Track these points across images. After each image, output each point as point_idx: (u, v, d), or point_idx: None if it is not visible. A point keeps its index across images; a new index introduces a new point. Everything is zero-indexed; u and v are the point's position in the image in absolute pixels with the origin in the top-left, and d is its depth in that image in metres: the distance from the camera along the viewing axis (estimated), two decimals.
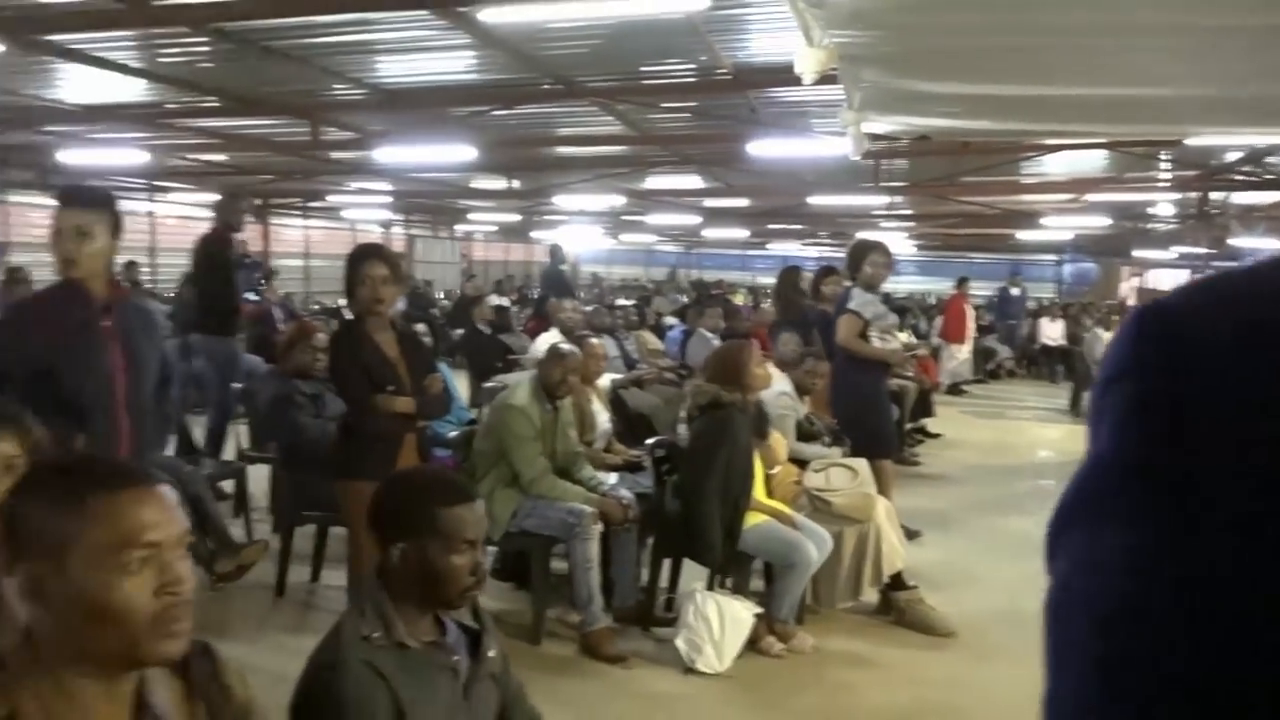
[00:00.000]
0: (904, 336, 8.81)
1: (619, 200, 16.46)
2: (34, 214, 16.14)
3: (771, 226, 24.48)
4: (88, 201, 2.81)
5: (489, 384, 6.36)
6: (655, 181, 15.21)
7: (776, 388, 4.96)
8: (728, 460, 3.88)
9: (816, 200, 15.00)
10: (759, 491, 4.11)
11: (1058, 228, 18.34)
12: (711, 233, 25.85)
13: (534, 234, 26.37)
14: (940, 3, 3.70)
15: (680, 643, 3.76)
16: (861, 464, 4.48)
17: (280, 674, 1.64)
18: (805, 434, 5.03)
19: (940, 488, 7.22)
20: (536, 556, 4.08)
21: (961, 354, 13.38)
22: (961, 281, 14.55)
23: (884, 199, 14.43)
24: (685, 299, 15.12)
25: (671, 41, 6.80)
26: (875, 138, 8.67)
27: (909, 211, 18.59)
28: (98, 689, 1.12)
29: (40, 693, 1.09)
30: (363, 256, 3.50)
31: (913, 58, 5.16)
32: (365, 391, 3.37)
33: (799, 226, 24.36)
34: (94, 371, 2.68)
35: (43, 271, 12.78)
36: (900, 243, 23.71)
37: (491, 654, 1.82)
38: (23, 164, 14.51)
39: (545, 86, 8.52)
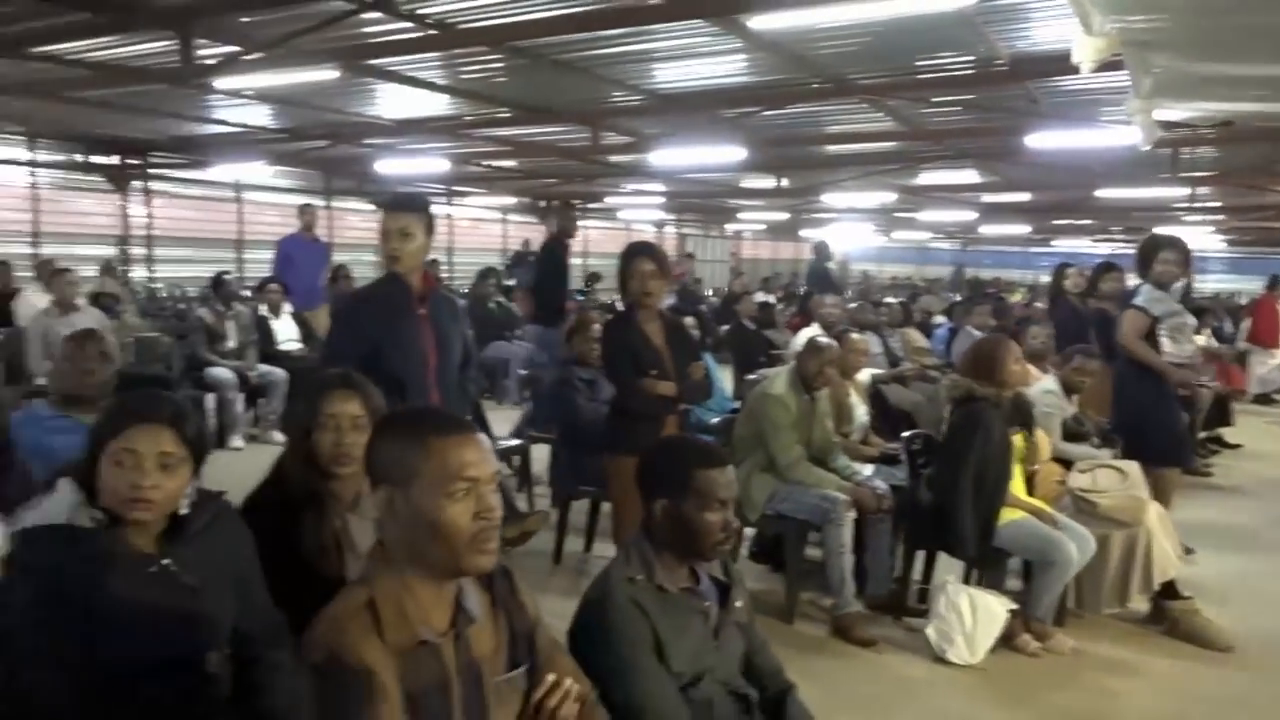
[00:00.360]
0: (1202, 339, 8.16)
1: (890, 197, 16.21)
2: (353, 218, 18.17)
3: (1057, 222, 23.18)
4: (409, 206, 3.30)
5: (751, 376, 6.58)
6: (928, 177, 14.89)
7: (1041, 385, 4.84)
8: (981, 454, 3.87)
9: (1105, 193, 14.11)
10: (1017, 487, 4.06)
11: None
12: (989, 229, 24.79)
13: (802, 232, 26.37)
14: None
15: (931, 632, 3.81)
16: (1132, 467, 4.30)
17: (556, 633, 1.91)
18: (1072, 434, 4.86)
19: (1233, 501, 6.67)
20: (791, 540, 4.25)
21: (1273, 360, 12.13)
22: (1275, 282, 13.16)
23: (1183, 190, 13.35)
24: (957, 297, 14.66)
25: (945, 34, 6.70)
26: (1169, 125, 8.10)
27: (1216, 204, 17.02)
28: (430, 589, 1.44)
29: (391, 587, 1.42)
30: (634, 253, 3.81)
31: (1211, 38, 4.83)
32: (632, 375, 3.69)
33: (1088, 221, 22.89)
34: (411, 352, 3.14)
35: (362, 269, 14.37)
36: (1204, 238, 21.74)
37: (739, 604, 2.04)
38: (346, 173, 16.34)
39: (814, 85, 8.61)
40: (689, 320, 5.79)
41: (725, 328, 9.79)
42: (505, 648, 1.54)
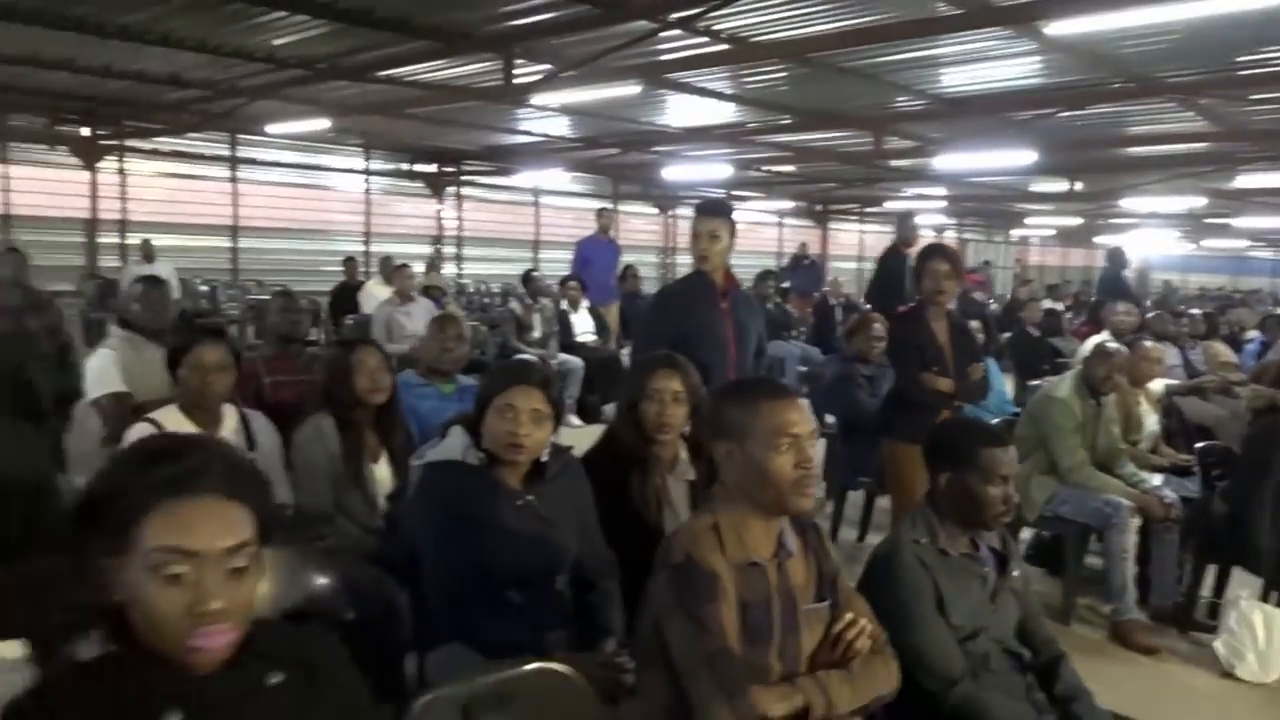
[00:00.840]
0: None
1: (1199, 201, 15.03)
2: (637, 221, 19.12)
3: None
4: (718, 212, 3.67)
5: (1034, 383, 6.48)
6: (1246, 180, 13.74)
7: None
8: None
9: None
10: None
11: None
12: None
13: (1096, 238, 24.81)
14: None
15: (1219, 646, 3.71)
16: None
17: None
18: None
19: None
20: (1071, 543, 4.24)
21: None
22: None
23: None
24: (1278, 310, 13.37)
25: (1268, 30, 6.31)
26: None
27: None
28: (759, 524, 1.77)
29: (730, 517, 1.75)
30: (930, 254, 3.99)
31: None
32: (914, 368, 3.88)
33: None
34: (715, 341, 3.51)
35: (646, 269, 15.11)
36: None
37: (1015, 573, 2.22)
38: (632, 179, 17.26)
39: (1115, 86, 8.30)
40: (974, 324, 5.83)
41: (1007, 335, 9.55)
42: (814, 584, 1.83)
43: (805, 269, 15.10)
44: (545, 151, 14.00)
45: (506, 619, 2.17)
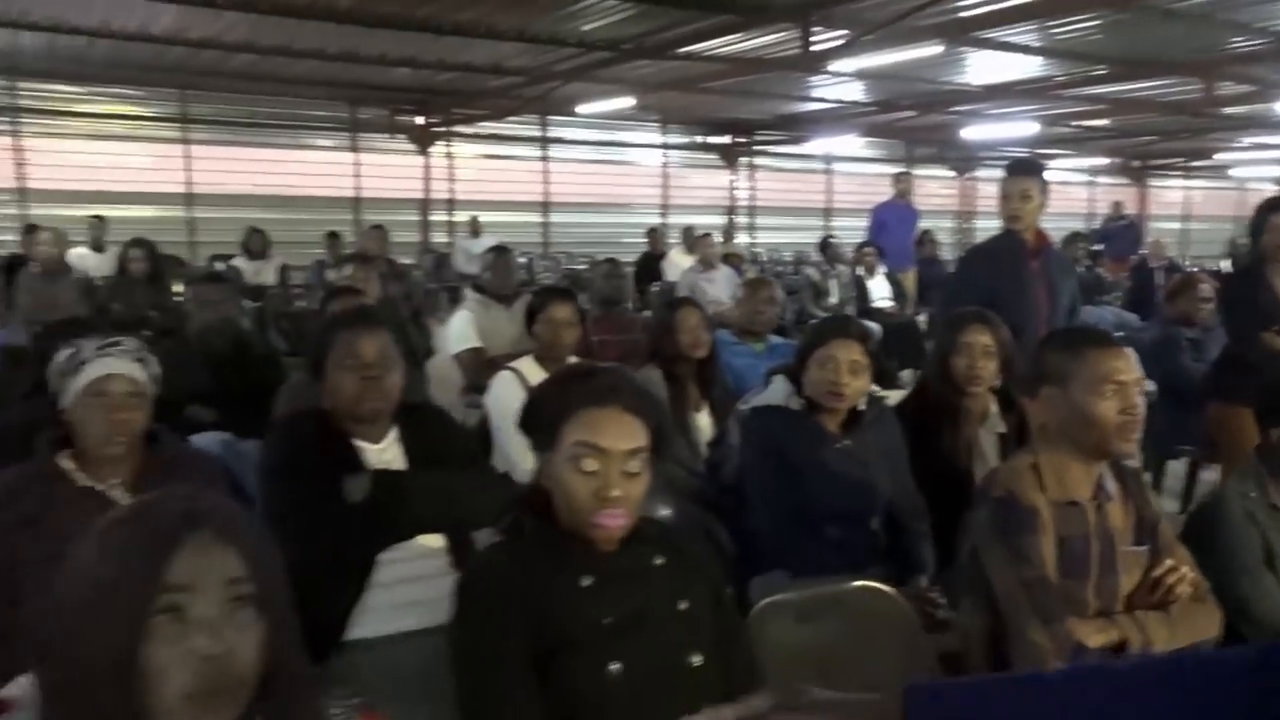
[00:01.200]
0: None
1: None
2: (933, 184, 18.53)
3: None
4: (1030, 170, 3.66)
5: None
6: None
7: None
8: None
9: None
10: None
11: None
12: None
13: None
14: None
15: None
16: None
17: None
18: None
19: None
20: None
21: None
22: None
23: None
24: None
25: None
26: None
27: None
28: (1079, 466, 1.85)
29: (1051, 458, 1.85)
30: (1272, 208, 3.76)
31: None
32: (1253, 326, 3.66)
33: None
34: (1025, 301, 3.50)
35: (943, 235, 14.69)
36: None
37: None
38: (927, 141, 16.77)
39: None
40: None
41: None
42: (1133, 528, 1.89)
43: (1121, 230, 14.09)
44: (839, 118, 13.95)
45: (824, 552, 2.38)
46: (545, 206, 15.01)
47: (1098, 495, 1.85)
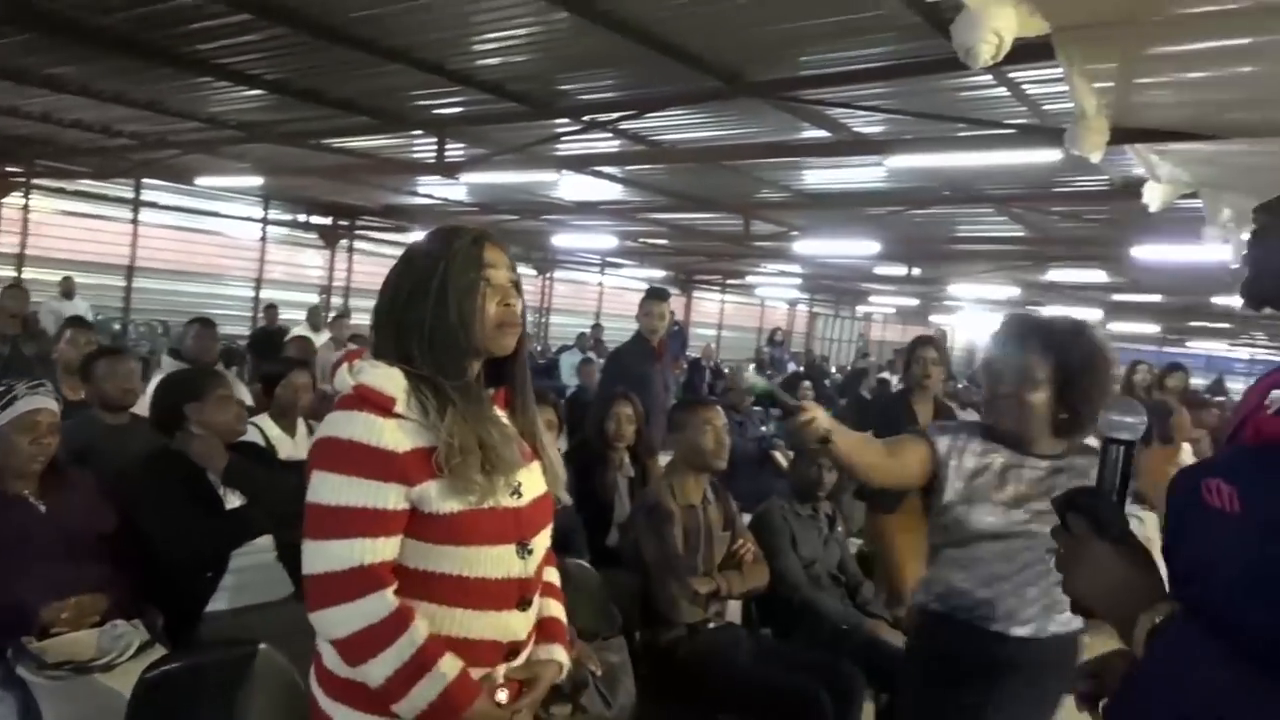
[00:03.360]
0: None
1: (1015, 291, 17.23)
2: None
3: (1193, 324, 23.53)
4: (665, 297, 4.99)
5: None
6: (1054, 275, 15.58)
7: None
8: None
9: (1223, 300, 14.88)
10: None
11: None
12: (1118, 327, 25.33)
13: (932, 318, 27.39)
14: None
15: None
16: (1151, 517, 5.58)
17: None
18: None
19: None
20: None
21: None
22: None
23: None
24: None
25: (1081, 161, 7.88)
26: None
27: None
28: (693, 482, 3.00)
29: (678, 479, 2.98)
30: (922, 343, 4.41)
31: (1269, 184, 6.01)
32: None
33: (1226, 326, 23.23)
34: (653, 387, 4.74)
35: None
36: None
37: (839, 529, 3.55)
38: (518, 242, 18.39)
39: (945, 194, 9.96)
40: (807, 385, 7.27)
41: (843, 400, 11.10)
42: (722, 521, 3.09)
43: (674, 334, 16.51)
44: (441, 214, 14.92)
45: None
46: (130, 270, 14.41)
47: (704, 501, 3.02)
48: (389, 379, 1.53)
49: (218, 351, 4.97)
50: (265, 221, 15.93)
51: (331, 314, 8.94)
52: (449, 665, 1.50)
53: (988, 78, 5.75)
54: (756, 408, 7.59)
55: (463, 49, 6.33)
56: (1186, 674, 0.93)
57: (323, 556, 1.48)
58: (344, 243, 17.23)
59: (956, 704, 2.07)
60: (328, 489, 1.48)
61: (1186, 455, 6.74)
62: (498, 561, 1.56)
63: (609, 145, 8.50)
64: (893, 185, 9.71)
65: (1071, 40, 3.78)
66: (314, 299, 16.02)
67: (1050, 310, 2.43)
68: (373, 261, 17.53)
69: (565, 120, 7.67)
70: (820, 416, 1.96)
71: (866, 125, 7.10)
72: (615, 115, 7.22)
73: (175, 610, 2.45)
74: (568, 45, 5.95)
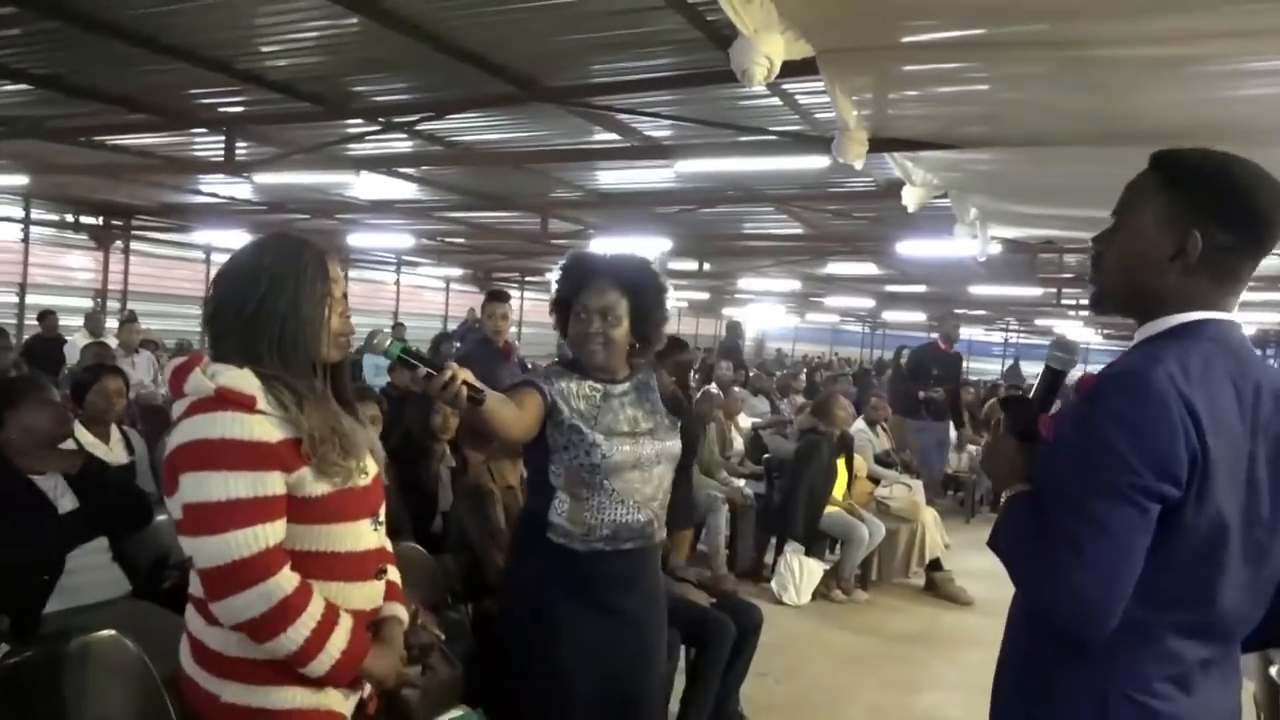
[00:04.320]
0: None
1: (797, 284, 18.30)
2: None
3: (957, 311, 25.61)
4: (506, 299, 5.11)
5: None
6: (834, 268, 16.39)
7: (856, 427, 6.82)
8: (814, 470, 5.78)
9: (978, 290, 16.37)
10: (838, 491, 5.98)
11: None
12: (891, 315, 27.32)
13: (724, 310, 28.53)
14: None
15: (774, 584, 5.67)
16: (918, 484, 6.30)
17: None
18: (884, 463, 6.84)
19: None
20: None
21: None
22: None
23: (1039, 290, 15.68)
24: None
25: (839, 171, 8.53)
26: (1007, 240, 10.01)
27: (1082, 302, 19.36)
28: (510, 466, 3.24)
29: (496, 466, 3.22)
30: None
31: (1006, 188, 6.78)
32: None
33: (983, 313, 25.44)
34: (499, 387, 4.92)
35: None
36: (1080, 332, 24.06)
37: None
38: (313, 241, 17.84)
39: (730, 194, 10.55)
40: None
41: None
42: None
43: (474, 332, 16.54)
44: (225, 213, 14.35)
45: None
46: None
47: (521, 482, 3.25)
48: (245, 379, 1.67)
49: (11, 360, 4.77)
50: (28, 222, 14.79)
51: (114, 320, 8.48)
52: (346, 623, 1.71)
53: (763, 89, 6.24)
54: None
55: (250, 49, 6.24)
56: (1011, 519, 1.53)
57: (223, 548, 1.60)
58: (118, 244, 16.22)
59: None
60: (213, 486, 1.60)
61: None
62: (359, 536, 1.77)
63: (405, 146, 8.54)
64: (682, 185, 10.10)
65: (832, 62, 4.25)
66: (84, 303, 15.10)
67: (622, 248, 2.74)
68: (151, 264, 16.64)
69: (360, 121, 7.66)
70: (465, 375, 1.99)
71: (655, 130, 7.49)
72: (412, 118, 7.29)
73: (15, 611, 2.48)
74: (359, 48, 5.98)
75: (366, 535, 1.80)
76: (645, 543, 2.44)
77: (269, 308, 1.72)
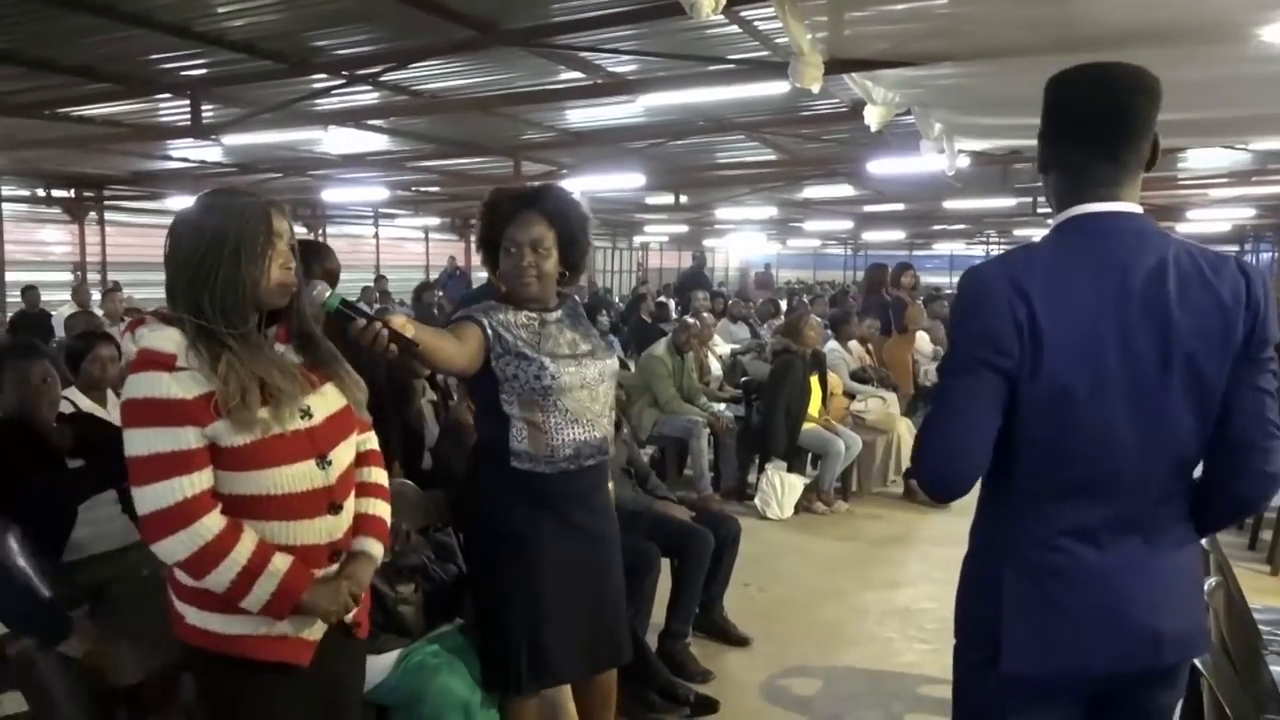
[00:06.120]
0: None
1: (774, 210, 18.35)
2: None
3: (936, 228, 25.72)
4: None
5: None
6: (810, 192, 16.42)
7: (828, 345, 7.00)
8: (789, 389, 5.97)
9: (952, 204, 16.45)
10: (814, 408, 6.19)
11: (1207, 220, 19.04)
12: (871, 235, 27.40)
13: (705, 241, 28.59)
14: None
15: (757, 500, 5.91)
16: (892, 396, 6.51)
17: None
18: (860, 378, 7.04)
19: None
20: (670, 452, 6.30)
21: None
22: None
23: (1013, 200, 15.74)
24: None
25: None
26: (975, 153, 10.06)
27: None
28: None
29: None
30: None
31: (966, 101, 6.84)
32: None
33: (962, 227, 25.54)
34: None
35: None
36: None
37: (625, 431, 4.05)
38: (286, 200, 17.77)
39: (700, 124, 10.56)
40: (603, 319, 7.77)
41: (625, 326, 11.71)
42: None
43: (456, 279, 16.69)
44: (197, 177, 14.26)
45: None
46: None
47: None
48: (166, 339, 1.79)
49: None
50: None
51: (96, 291, 8.58)
52: (280, 561, 1.81)
53: (721, 18, 6.29)
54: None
55: (208, 10, 6.24)
56: None
57: (150, 498, 1.75)
58: (93, 215, 16.17)
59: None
60: (139, 442, 1.75)
61: (923, 342, 7.76)
62: (298, 477, 1.87)
63: (371, 98, 8.55)
64: (651, 119, 10.11)
65: None
66: (64, 277, 15.12)
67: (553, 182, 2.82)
68: (128, 233, 16.57)
69: (324, 76, 7.67)
70: (398, 320, 2.03)
71: (618, 66, 7.54)
72: (376, 69, 7.31)
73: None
74: (317, 2, 6.01)
75: (311, 475, 1.88)
76: (604, 458, 2.62)
77: (211, 261, 1.80)
